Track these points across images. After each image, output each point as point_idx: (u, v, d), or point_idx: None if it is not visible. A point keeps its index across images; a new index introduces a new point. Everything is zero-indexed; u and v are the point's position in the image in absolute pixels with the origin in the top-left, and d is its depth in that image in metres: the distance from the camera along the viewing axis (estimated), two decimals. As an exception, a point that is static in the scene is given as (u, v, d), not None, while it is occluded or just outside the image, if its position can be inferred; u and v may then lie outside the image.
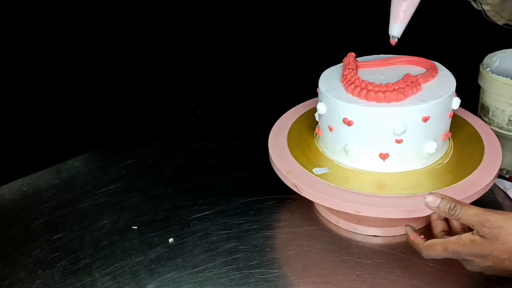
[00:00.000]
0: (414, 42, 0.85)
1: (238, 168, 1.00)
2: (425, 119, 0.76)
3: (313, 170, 0.81)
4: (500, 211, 0.63)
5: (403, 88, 0.77)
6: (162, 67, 1.37)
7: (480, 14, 0.96)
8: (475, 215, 0.62)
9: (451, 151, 0.84)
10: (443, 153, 0.84)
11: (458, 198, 0.74)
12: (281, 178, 0.83)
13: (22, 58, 1.12)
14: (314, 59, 1.05)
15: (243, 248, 0.81)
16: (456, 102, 0.81)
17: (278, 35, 1.48)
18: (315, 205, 0.88)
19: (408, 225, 0.71)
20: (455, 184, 0.77)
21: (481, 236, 0.62)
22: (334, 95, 0.80)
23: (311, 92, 0.94)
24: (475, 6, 0.95)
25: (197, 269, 0.77)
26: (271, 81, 1.36)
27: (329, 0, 1.46)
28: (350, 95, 0.79)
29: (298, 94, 1.02)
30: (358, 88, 0.78)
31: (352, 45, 0.91)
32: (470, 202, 0.75)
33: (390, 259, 0.77)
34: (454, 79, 0.82)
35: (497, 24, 0.96)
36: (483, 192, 0.77)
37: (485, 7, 0.93)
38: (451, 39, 1.01)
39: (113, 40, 1.24)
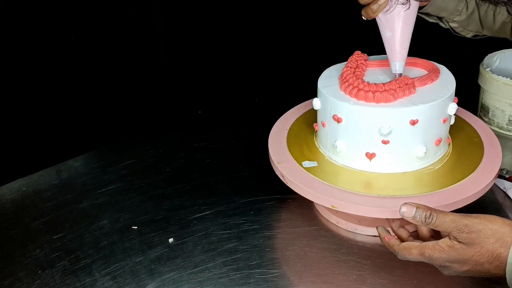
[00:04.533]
0: (414, 42, 0.85)
1: (238, 168, 1.00)
2: (413, 122, 0.76)
3: (303, 163, 0.83)
4: (475, 215, 0.62)
5: (394, 90, 0.77)
6: (162, 67, 1.37)
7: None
8: (452, 221, 0.62)
9: (451, 151, 0.84)
10: (442, 154, 0.83)
11: (458, 198, 0.74)
12: (279, 177, 0.83)
13: (22, 58, 1.12)
14: (314, 60, 1.05)
15: (243, 248, 0.81)
16: (452, 107, 0.80)
17: (278, 35, 1.48)
18: (315, 205, 0.88)
19: (380, 226, 0.71)
20: (456, 184, 0.77)
21: (459, 242, 0.61)
22: (328, 92, 0.81)
23: (311, 92, 0.94)
24: (443, 25, 1.00)
25: (197, 269, 0.77)
26: (271, 81, 1.36)
27: (330, 0, 1.46)
28: (343, 93, 0.80)
29: (298, 94, 1.02)
30: (351, 87, 0.79)
31: (352, 45, 0.91)
32: (470, 202, 0.75)
33: (390, 259, 0.76)
34: (454, 84, 0.81)
35: (466, 37, 1.01)
36: (483, 192, 0.77)
37: (452, 25, 0.99)
38: (451, 39, 1.01)
39: (113, 40, 1.24)
